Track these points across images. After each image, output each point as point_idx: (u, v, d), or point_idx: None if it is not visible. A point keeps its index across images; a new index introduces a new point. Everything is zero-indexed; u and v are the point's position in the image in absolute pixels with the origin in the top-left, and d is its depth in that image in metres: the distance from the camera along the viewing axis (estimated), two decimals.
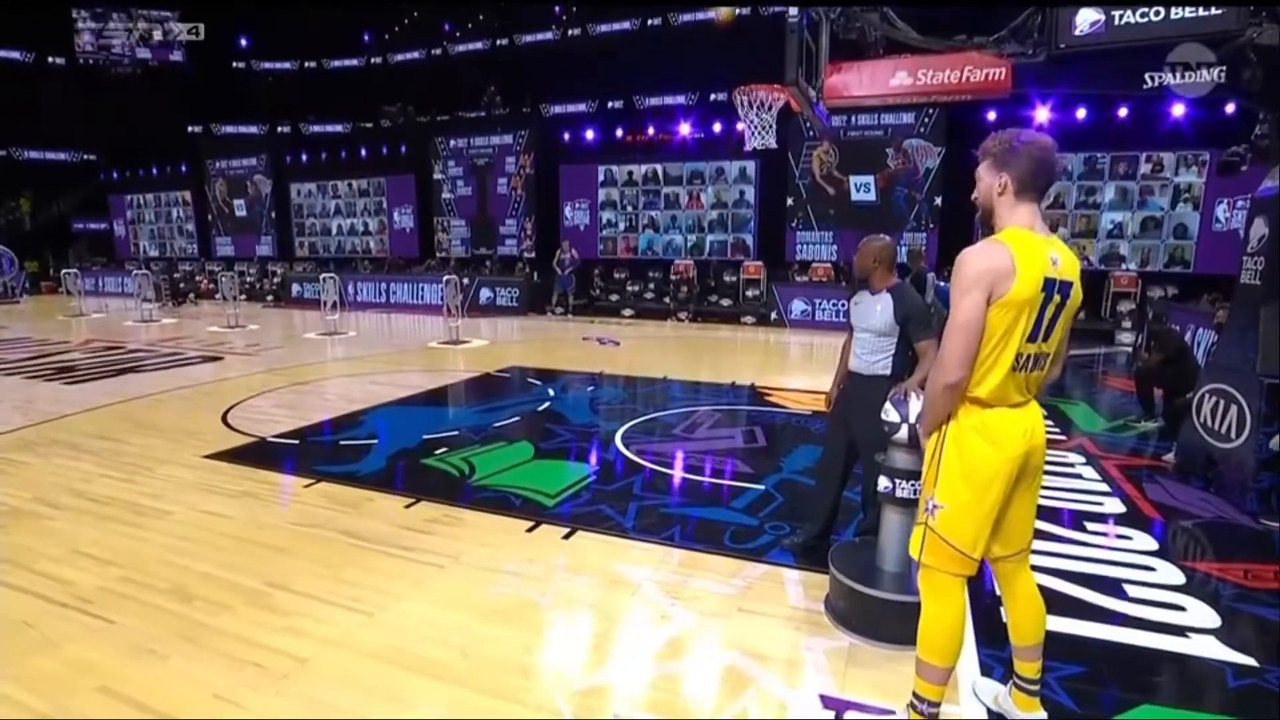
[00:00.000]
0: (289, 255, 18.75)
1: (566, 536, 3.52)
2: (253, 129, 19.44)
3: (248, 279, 18.08)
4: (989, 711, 2.19)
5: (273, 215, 18.74)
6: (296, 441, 5.16)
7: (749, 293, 13.65)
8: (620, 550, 3.37)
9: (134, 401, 6.35)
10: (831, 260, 13.52)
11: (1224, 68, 3.51)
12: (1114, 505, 3.86)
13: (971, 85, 4.03)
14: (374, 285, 15.81)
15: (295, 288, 16.34)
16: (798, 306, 12.19)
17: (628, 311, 14.24)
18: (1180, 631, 2.62)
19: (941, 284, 7.49)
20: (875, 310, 2.97)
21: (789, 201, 13.68)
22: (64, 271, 14.93)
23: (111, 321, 12.84)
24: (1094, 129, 11.01)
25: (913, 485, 2.55)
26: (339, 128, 18.61)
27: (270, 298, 17.00)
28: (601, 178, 15.30)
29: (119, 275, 18.88)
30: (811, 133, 12.74)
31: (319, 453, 4.90)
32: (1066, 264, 1.81)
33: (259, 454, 4.84)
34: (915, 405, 2.58)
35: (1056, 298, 1.78)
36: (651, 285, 14.90)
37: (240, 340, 10.52)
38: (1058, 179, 2.09)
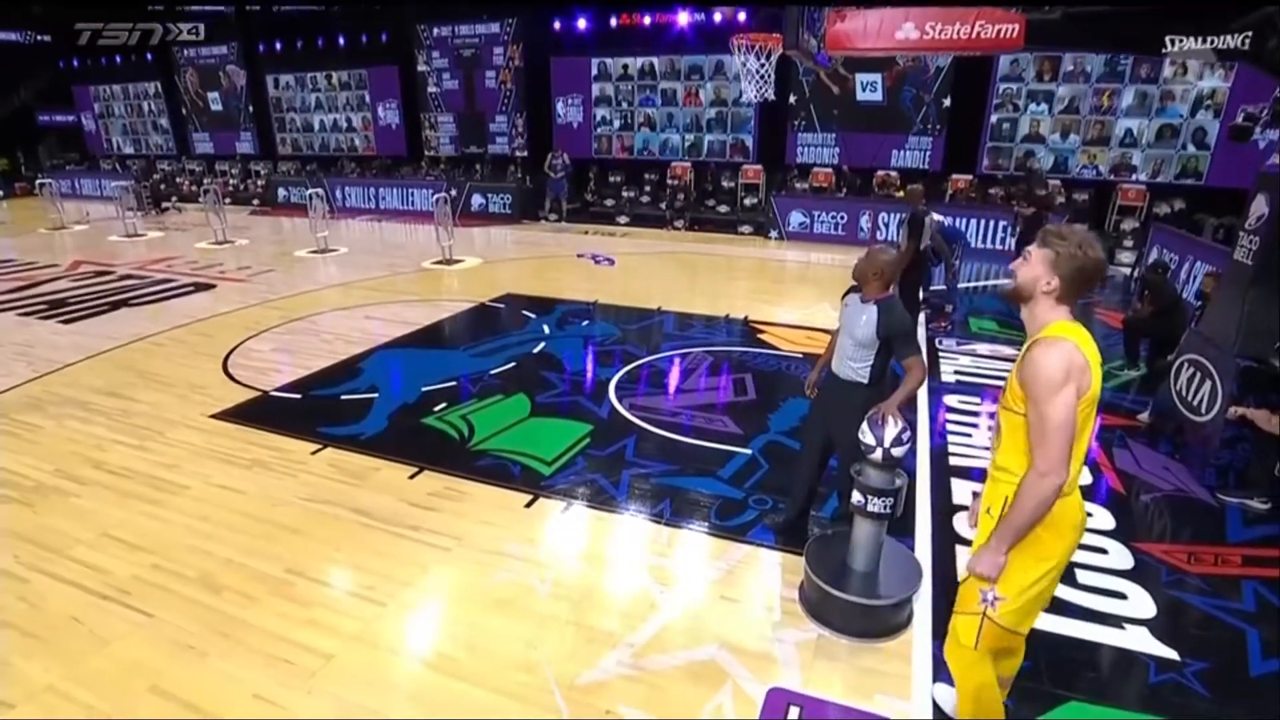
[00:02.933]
0: (271, 153, 17.99)
1: (563, 513, 3.75)
2: (220, 5, 17.93)
3: (231, 181, 17.50)
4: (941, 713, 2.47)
5: (250, 110, 17.77)
6: (299, 396, 5.31)
7: (747, 200, 13.30)
8: (613, 529, 3.62)
9: (133, 346, 6.44)
10: (833, 164, 13.06)
11: (1249, 34, 3.30)
12: (1083, 475, 4.07)
13: (982, 41, 3.77)
14: (362, 190, 15.36)
15: (281, 192, 15.87)
16: (796, 218, 11.94)
17: (623, 219, 13.94)
18: (1117, 623, 2.90)
19: (943, 220, 7.37)
20: (860, 320, 3.00)
21: (791, 100, 12.97)
22: (40, 181, 14.41)
23: (96, 237, 12.59)
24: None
25: (884, 501, 2.72)
26: (313, 4, 17.18)
27: (256, 201, 16.54)
28: (595, 71, 14.40)
29: (96, 177, 18.25)
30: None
31: (321, 410, 5.05)
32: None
33: (263, 412, 5.00)
34: (891, 429, 2.71)
35: None
36: (647, 189, 14.49)
37: (230, 260, 10.41)
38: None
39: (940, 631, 2.86)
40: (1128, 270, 9.52)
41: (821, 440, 3.33)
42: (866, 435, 2.72)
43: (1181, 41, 3.42)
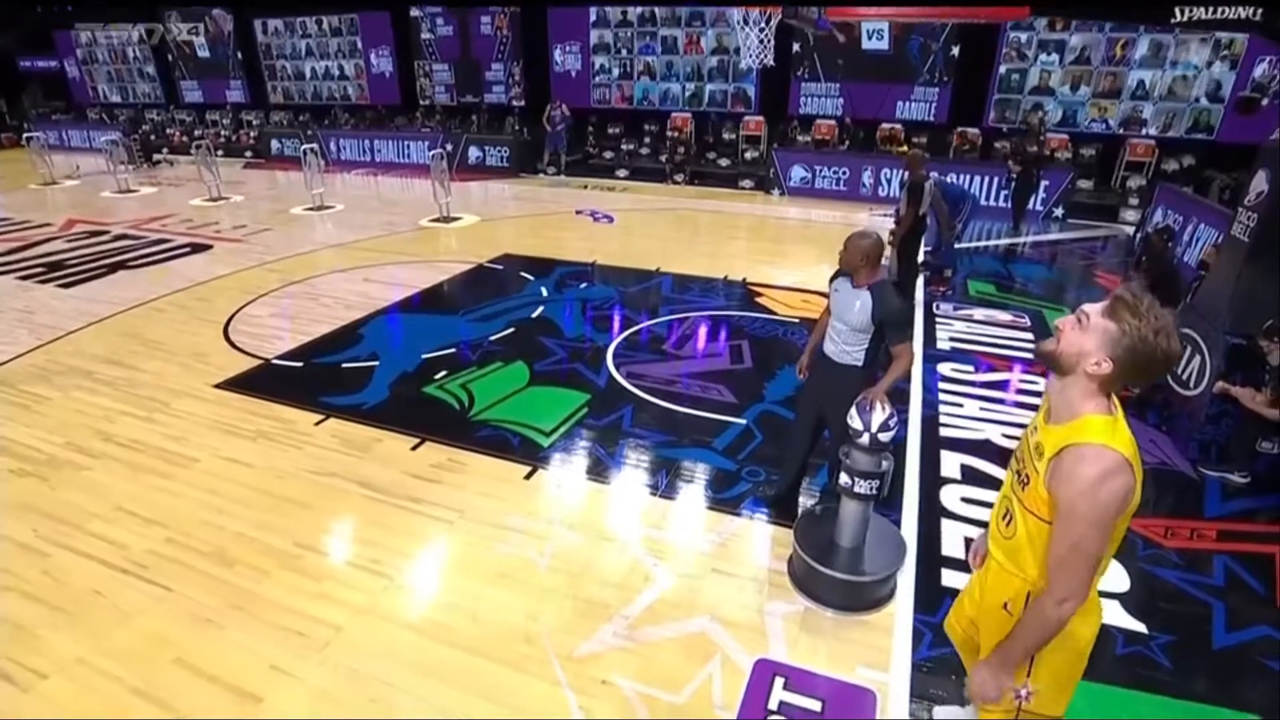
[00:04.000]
0: (262, 102, 17.55)
1: (560, 485, 3.86)
2: None
3: (222, 132, 17.14)
4: None
5: (239, 56, 17.25)
6: (300, 364, 5.37)
7: (748, 154, 13.06)
8: (610, 502, 3.73)
9: (133, 311, 6.47)
10: (836, 115, 12.77)
11: (1259, 9, 3.20)
12: None
13: (987, 9, 3.65)
14: (357, 142, 15.05)
15: (275, 144, 15.55)
16: (797, 173, 11.75)
17: (622, 172, 13.71)
18: None
19: (946, 180, 7.29)
20: (854, 306, 3.03)
21: (794, 48, 12.58)
22: (27, 136, 14.13)
23: (88, 193, 12.42)
24: None
25: (870, 484, 2.81)
26: None
27: (249, 154, 16.23)
28: (593, 17, 13.93)
29: (84, 128, 17.85)
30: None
31: (323, 379, 5.11)
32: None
33: (266, 381, 5.07)
34: (879, 414, 2.77)
35: None
36: (647, 141, 14.22)
37: (226, 218, 10.32)
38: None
39: (922, 605, 3.01)
40: (1131, 230, 9.43)
41: (814, 418, 3.40)
42: (854, 420, 2.79)
43: (1191, 11, 3.33)
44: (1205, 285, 4.32)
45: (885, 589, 3.01)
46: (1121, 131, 10.88)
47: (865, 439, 2.77)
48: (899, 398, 4.57)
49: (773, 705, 2.52)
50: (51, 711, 2.50)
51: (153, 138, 16.34)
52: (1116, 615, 2.93)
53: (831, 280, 3.21)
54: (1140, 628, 2.87)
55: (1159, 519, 3.56)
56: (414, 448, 4.20)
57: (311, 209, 10.74)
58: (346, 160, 15.07)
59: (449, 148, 11.97)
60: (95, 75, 19.83)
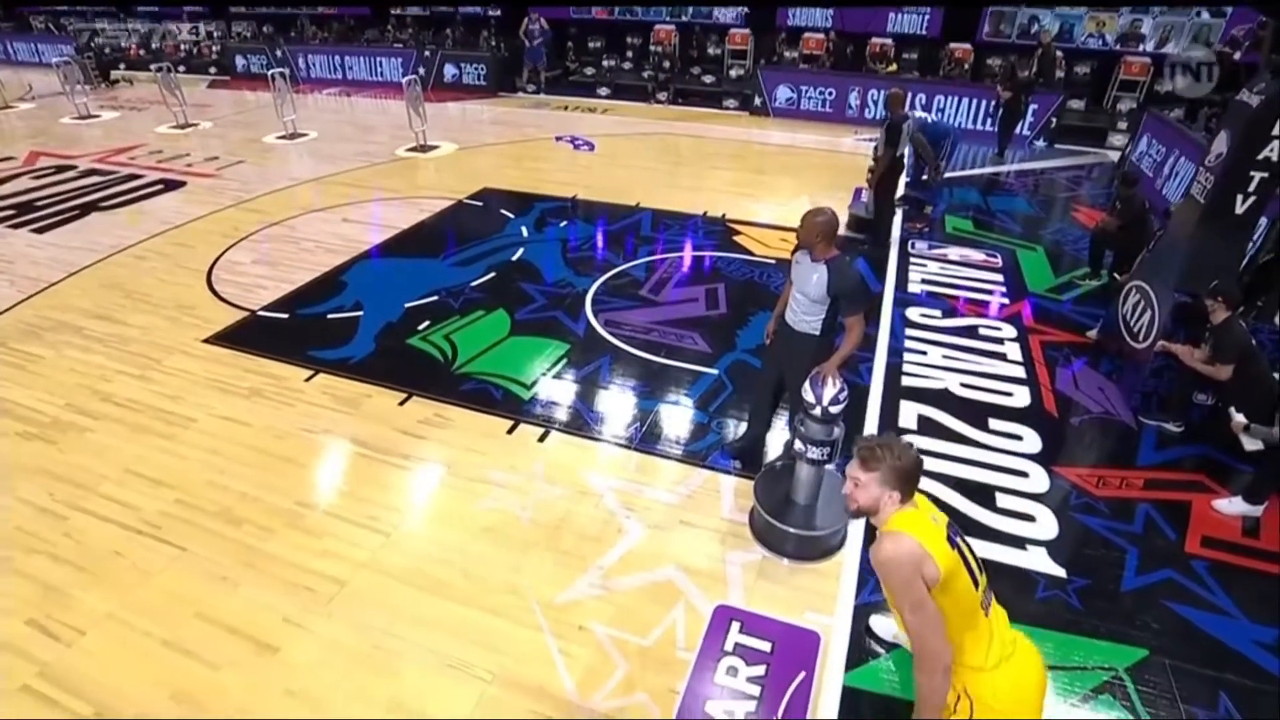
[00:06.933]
0: (222, 12, 16.51)
1: (541, 439, 4.11)
2: None
3: (182, 45, 16.22)
4: (882, 641, 2.90)
5: None
6: (286, 316, 5.47)
7: (733, 71, 12.59)
8: (587, 455, 3.99)
9: (114, 259, 6.46)
10: (826, 28, 12.25)
11: None
12: (1021, 397, 4.44)
13: None
14: (327, 59, 14.33)
15: (240, 60, 14.79)
16: (783, 94, 11.41)
17: (604, 90, 13.24)
18: (1020, 544, 3.36)
19: (926, 118, 7.20)
20: (811, 279, 3.17)
21: None
22: None
23: (47, 119, 11.92)
24: None
25: (821, 450, 3.06)
26: None
27: (213, 70, 15.45)
28: None
29: (29, 40, 16.80)
30: None
31: (310, 331, 5.23)
32: (938, 513, 2.03)
33: (254, 335, 5.19)
34: (830, 389, 2.98)
35: (961, 542, 1.99)
36: (629, 55, 13.63)
37: (197, 148, 10.03)
38: None
39: (868, 553, 3.32)
40: (1117, 156, 9.37)
41: (777, 379, 3.63)
42: (807, 393, 3.00)
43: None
44: (1161, 241, 4.45)
45: (836, 539, 3.33)
46: (1118, 48, 10.55)
47: (818, 411, 2.99)
48: (866, 343, 4.76)
49: (729, 646, 2.87)
50: (95, 663, 2.81)
51: (107, 51, 15.47)
52: (1041, 561, 3.27)
53: (794, 253, 3.33)
54: (1060, 573, 3.21)
55: (1095, 469, 3.87)
56: (401, 403, 4.41)
57: (284, 137, 10.43)
58: (317, 79, 14.41)
59: (422, 72, 11.48)
60: None
